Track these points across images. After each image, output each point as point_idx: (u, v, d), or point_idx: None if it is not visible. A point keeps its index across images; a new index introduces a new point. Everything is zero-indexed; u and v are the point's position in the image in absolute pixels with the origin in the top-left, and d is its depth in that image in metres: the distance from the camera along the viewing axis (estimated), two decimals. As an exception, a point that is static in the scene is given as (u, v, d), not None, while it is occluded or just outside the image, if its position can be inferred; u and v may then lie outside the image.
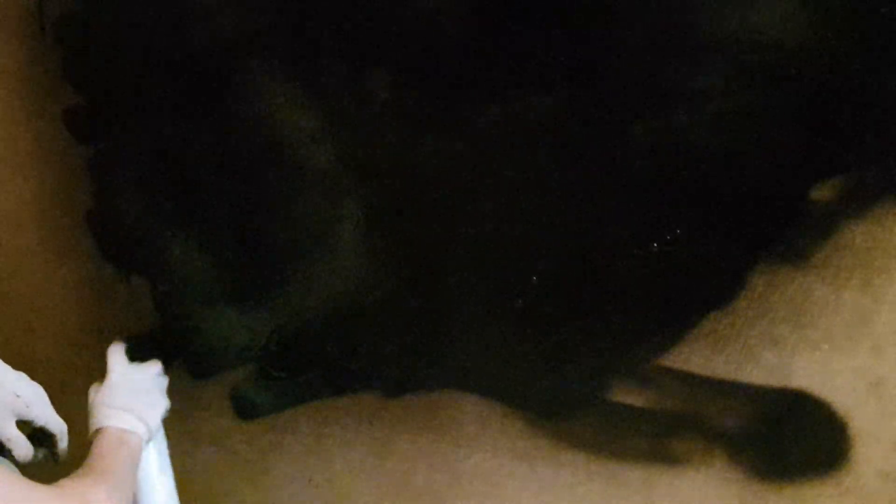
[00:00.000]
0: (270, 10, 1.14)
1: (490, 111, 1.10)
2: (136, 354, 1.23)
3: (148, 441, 1.14)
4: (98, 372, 1.23)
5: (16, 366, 1.00)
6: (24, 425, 0.96)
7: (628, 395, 1.20)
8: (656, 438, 1.20)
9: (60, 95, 1.27)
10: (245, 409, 1.38)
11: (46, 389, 1.00)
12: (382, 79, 1.12)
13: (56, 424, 0.99)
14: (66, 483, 0.92)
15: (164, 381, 1.23)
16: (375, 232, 1.20)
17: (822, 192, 1.05)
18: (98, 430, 1.10)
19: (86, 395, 1.18)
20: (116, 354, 1.22)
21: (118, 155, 1.28)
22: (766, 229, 1.08)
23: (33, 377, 1.00)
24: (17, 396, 0.94)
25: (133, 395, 1.15)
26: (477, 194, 1.14)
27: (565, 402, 1.23)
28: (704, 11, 1.02)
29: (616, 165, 1.10)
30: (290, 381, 1.33)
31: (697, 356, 1.15)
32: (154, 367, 1.23)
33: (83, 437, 1.12)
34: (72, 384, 1.23)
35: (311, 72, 1.14)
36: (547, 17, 1.06)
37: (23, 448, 0.93)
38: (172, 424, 1.24)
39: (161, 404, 1.19)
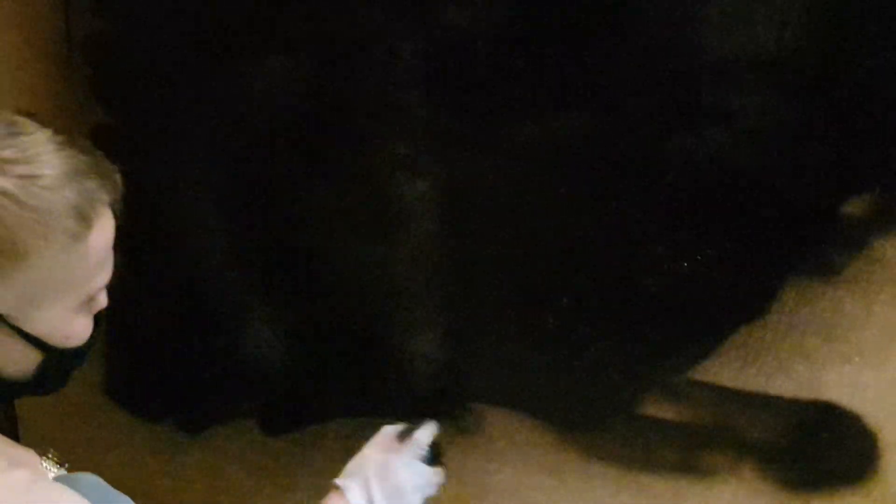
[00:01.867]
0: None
1: (524, 130, 1.11)
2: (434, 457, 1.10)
3: None
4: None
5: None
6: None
7: (659, 409, 1.20)
8: (686, 451, 1.21)
9: (89, 115, 1.27)
10: (271, 426, 1.38)
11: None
12: (419, 96, 1.13)
13: None
14: None
15: (431, 491, 1.08)
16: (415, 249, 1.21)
17: (854, 207, 1.06)
18: (339, 492, 1.02)
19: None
20: (419, 445, 1.08)
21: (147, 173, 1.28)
22: (797, 244, 1.09)
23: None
24: None
25: (398, 495, 1.03)
26: (510, 212, 1.15)
27: (595, 416, 1.23)
28: (737, 29, 1.03)
29: (649, 183, 1.11)
30: (317, 397, 1.34)
31: (728, 369, 1.16)
32: (437, 477, 1.08)
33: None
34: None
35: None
36: (581, 36, 1.06)
37: None
38: (197, 442, 1.24)
39: None
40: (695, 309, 1.15)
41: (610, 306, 1.17)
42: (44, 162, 0.72)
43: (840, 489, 1.17)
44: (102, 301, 0.83)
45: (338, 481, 1.04)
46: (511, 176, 1.14)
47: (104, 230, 0.77)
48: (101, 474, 1.18)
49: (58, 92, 1.27)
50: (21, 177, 0.70)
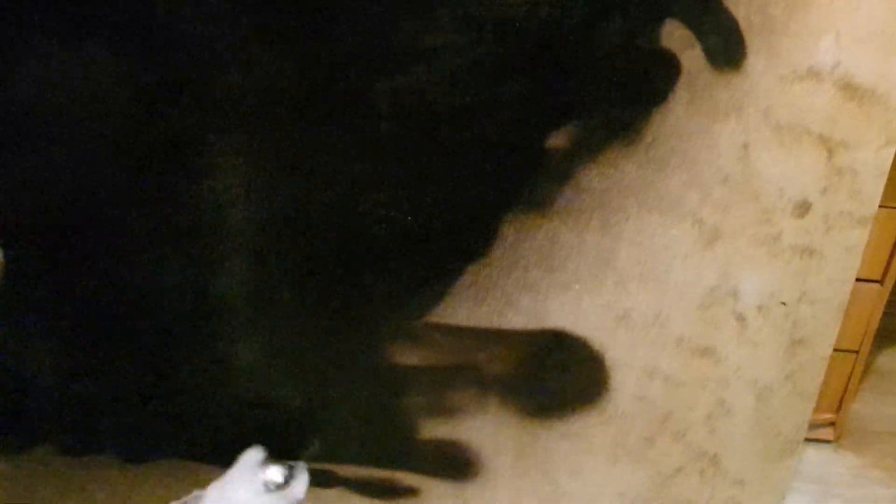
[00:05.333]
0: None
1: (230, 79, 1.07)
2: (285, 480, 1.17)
3: None
4: None
5: None
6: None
7: (403, 356, 1.22)
8: (433, 392, 1.23)
9: None
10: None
11: None
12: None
13: None
14: None
15: None
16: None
17: (558, 140, 1.10)
18: None
19: None
20: (272, 472, 1.16)
21: None
22: (510, 180, 1.12)
23: None
24: None
25: None
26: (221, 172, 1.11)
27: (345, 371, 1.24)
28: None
29: (362, 130, 1.11)
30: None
31: (462, 309, 1.19)
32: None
33: None
34: None
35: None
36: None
37: None
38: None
39: None
40: (423, 254, 1.16)
41: (340, 260, 1.17)
42: None
43: (576, 412, 1.23)
44: None
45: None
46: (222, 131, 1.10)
47: None
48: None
49: None
50: None
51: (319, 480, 1.29)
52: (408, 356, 1.23)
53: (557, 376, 1.22)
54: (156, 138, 1.11)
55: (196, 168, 1.12)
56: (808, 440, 1.53)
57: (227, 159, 1.11)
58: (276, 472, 1.19)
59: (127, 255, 1.17)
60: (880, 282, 1.41)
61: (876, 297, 1.42)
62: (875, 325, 1.45)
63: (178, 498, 1.22)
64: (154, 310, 1.20)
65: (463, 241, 1.16)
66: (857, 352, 1.48)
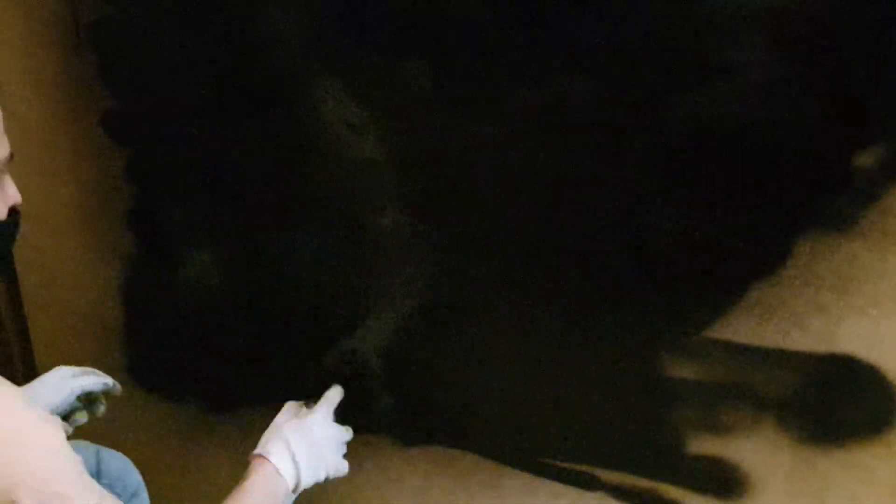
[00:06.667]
0: (306, 6, 1.14)
1: (527, 95, 1.11)
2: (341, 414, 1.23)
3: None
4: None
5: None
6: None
7: (677, 370, 1.21)
8: (706, 409, 1.22)
9: (97, 100, 1.27)
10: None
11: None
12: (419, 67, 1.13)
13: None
14: None
15: (343, 449, 1.20)
16: (415, 223, 1.21)
17: (865, 159, 1.06)
18: (261, 459, 1.08)
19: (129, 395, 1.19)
20: (329, 403, 1.23)
21: (157, 156, 1.29)
22: (810, 197, 1.09)
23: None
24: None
25: (316, 449, 1.13)
26: (515, 181, 1.15)
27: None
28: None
29: (659, 143, 1.11)
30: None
31: (744, 326, 1.16)
32: (347, 434, 1.21)
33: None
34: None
35: (350, 64, 1.15)
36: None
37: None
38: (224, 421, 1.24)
39: (330, 471, 1.16)
40: (709, 267, 1.15)
41: (624, 270, 1.18)
42: None
43: (860, 442, 1.18)
44: (14, 192, 0.91)
45: (258, 450, 1.10)
46: (506, 144, 1.13)
47: None
48: (125, 453, 1.21)
49: (66, 78, 1.27)
50: None
51: (581, 482, 1.31)
52: (682, 369, 1.22)
53: (843, 403, 1.17)
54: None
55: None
56: None
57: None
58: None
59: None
60: None
61: None
62: None
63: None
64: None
65: (751, 257, 1.14)
66: None
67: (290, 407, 1.20)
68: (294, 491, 1.09)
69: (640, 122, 1.09)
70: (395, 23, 1.12)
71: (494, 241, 1.21)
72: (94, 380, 1.17)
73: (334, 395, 1.25)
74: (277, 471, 1.07)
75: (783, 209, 1.11)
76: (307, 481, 1.10)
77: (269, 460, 1.07)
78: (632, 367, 1.23)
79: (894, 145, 1.04)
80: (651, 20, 1.05)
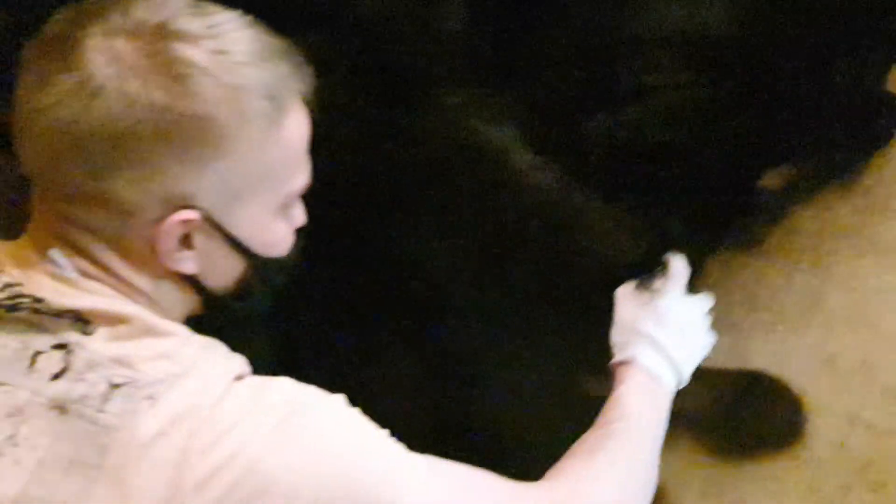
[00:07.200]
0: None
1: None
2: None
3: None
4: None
5: None
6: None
7: (596, 387, 1.23)
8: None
9: None
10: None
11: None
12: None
13: None
14: None
15: (708, 321, 1.00)
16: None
17: (773, 181, 1.11)
18: (626, 366, 0.92)
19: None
20: (678, 277, 0.99)
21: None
22: (720, 218, 1.13)
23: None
24: None
25: (681, 335, 0.93)
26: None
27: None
28: (652, 9, 1.06)
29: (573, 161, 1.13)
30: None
31: (659, 343, 1.19)
32: (707, 302, 1.01)
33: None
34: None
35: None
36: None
37: None
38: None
39: (702, 352, 0.97)
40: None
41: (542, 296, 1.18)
42: (233, 39, 0.68)
43: (771, 453, 1.21)
44: (300, 215, 0.79)
45: (619, 357, 0.94)
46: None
47: (300, 122, 0.73)
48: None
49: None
50: (212, 52, 0.66)
51: None
52: (598, 388, 1.23)
53: (753, 417, 1.20)
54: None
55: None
56: None
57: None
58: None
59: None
60: None
61: None
62: None
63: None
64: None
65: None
66: None
67: (627, 296, 0.98)
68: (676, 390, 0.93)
69: (560, 140, 1.11)
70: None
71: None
72: None
73: (679, 265, 1.01)
74: (651, 374, 0.91)
75: (694, 229, 1.14)
76: (688, 376, 0.94)
77: (637, 362, 0.91)
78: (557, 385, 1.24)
79: (801, 167, 1.09)
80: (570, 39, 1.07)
